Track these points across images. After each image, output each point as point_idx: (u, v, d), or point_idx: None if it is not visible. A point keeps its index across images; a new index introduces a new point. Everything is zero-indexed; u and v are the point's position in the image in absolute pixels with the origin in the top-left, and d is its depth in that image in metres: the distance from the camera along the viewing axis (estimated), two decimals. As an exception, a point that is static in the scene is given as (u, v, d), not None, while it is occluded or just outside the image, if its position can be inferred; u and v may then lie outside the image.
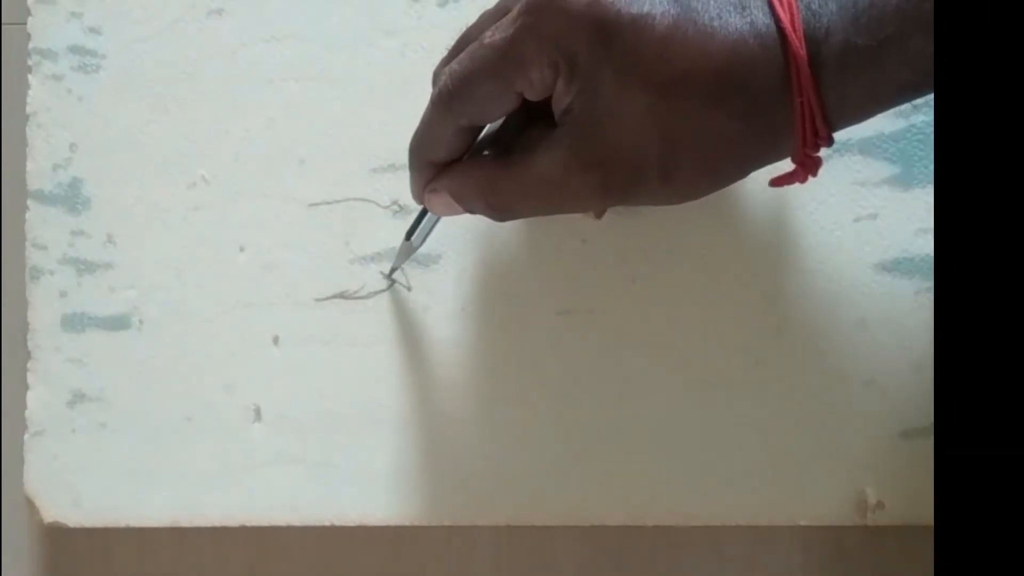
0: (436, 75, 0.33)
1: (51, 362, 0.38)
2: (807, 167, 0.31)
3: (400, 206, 0.37)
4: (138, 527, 0.37)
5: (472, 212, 0.33)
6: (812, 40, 0.29)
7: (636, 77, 0.29)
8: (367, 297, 0.37)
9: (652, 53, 0.28)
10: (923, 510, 0.36)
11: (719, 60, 0.28)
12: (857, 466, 0.36)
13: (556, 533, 0.37)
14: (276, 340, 0.37)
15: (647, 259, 0.37)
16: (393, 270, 0.37)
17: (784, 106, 0.29)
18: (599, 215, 0.36)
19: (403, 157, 0.33)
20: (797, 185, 0.37)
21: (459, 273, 0.37)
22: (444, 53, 0.33)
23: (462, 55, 0.31)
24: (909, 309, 0.37)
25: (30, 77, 0.38)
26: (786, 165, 0.31)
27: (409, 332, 0.37)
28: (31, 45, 0.38)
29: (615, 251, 0.37)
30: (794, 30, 0.28)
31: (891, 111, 0.37)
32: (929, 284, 0.37)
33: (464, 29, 0.33)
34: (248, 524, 0.37)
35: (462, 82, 0.30)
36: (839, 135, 0.38)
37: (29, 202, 0.38)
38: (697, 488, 0.37)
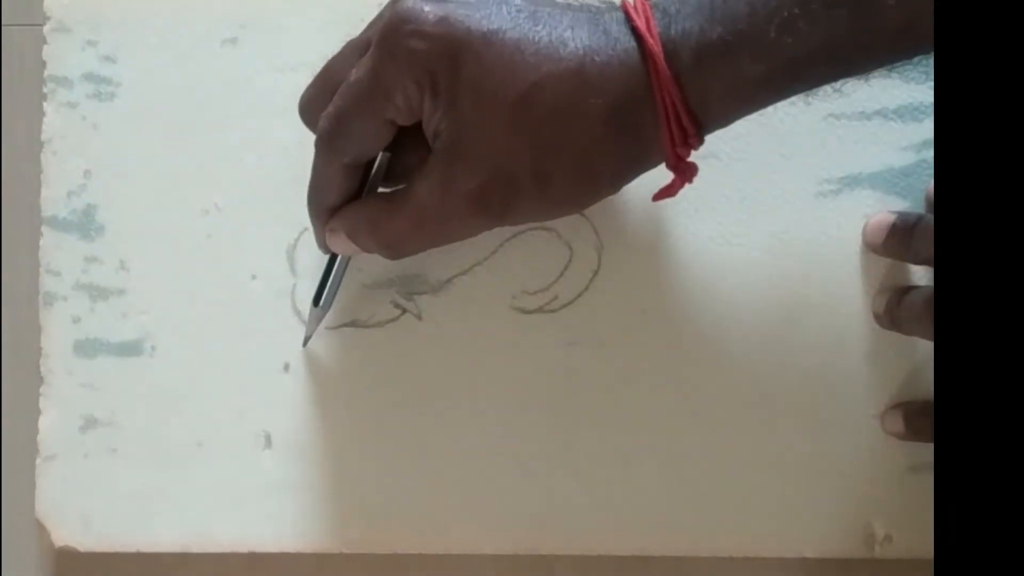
0: (302, 109, 0.33)
1: (64, 387, 0.38)
2: (681, 173, 0.32)
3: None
4: (148, 552, 0.37)
5: (369, 251, 0.33)
6: (669, 40, 0.29)
7: (492, 90, 0.29)
8: (378, 326, 0.38)
9: (504, 66, 0.29)
10: (931, 544, 0.36)
11: (571, 65, 0.29)
12: (865, 499, 0.36)
13: (561, 562, 0.37)
14: (287, 367, 0.38)
15: (656, 291, 0.37)
16: (307, 340, 0.37)
17: (648, 106, 0.30)
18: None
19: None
20: (807, 220, 0.37)
21: (469, 302, 0.37)
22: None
23: (336, 96, 0.31)
24: (920, 352, 0.37)
25: (45, 104, 0.38)
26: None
27: (419, 361, 0.37)
28: (47, 72, 0.38)
29: (624, 282, 0.37)
30: (649, 32, 0.29)
31: (900, 145, 0.37)
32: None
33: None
34: (257, 550, 0.37)
35: (337, 121, 0.31)
36: (849, 169, 0.38)
37: (43, 228, 0.38)
38: (704, 519, 0.37)
